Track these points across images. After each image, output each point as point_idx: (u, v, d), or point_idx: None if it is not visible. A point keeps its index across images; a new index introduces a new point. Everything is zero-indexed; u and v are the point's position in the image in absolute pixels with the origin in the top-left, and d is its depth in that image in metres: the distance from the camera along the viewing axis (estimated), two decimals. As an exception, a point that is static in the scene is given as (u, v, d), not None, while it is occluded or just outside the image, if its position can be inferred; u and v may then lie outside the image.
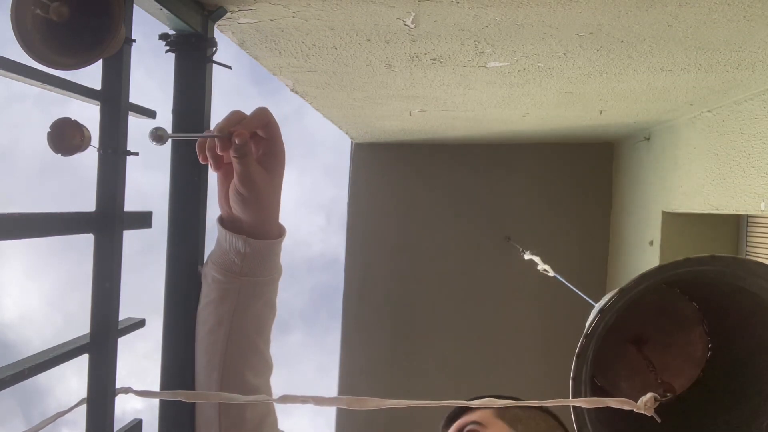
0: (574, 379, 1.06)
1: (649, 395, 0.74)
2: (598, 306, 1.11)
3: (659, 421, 0.84)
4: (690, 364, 1.34)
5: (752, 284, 1.07)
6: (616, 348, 1.36)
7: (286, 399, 0.71)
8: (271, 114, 0.88)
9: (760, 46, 1.67)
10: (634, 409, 0.73)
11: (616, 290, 1.06)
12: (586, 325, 1.07)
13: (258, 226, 0.91)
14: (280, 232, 0.96)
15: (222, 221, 0.97)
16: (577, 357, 1.06)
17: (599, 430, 1.08)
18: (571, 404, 0.78)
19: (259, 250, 0.92)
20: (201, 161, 0.91)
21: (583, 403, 0.82)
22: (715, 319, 1.35)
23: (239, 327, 0.93)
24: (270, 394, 0.99)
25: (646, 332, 1.35)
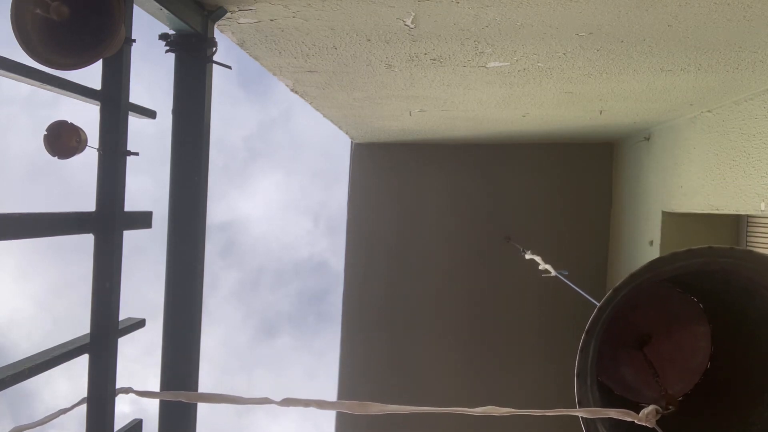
0: (578, 375, 1.06)
1: (651, 408, 0.74)
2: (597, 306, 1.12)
3: None
4: (693, 361, 1.35)
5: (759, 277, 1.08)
6: (621, 349, 1.37)
7: (288, 402, 0.71)
8: None
9: (760, 46, 1.67)
10: (636, 421, 0.73)
11: (610, 290, 1.07)
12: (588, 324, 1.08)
13: None
14: None
15: None
16: (581, 351, 1.07)
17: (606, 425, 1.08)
18: (573, 414, 0.78)
19: None
20: None
21: (585, 413, 0.81)
22: (722, 321, 1.35)
23: None
24: None
25: (651, 332, 1.36)
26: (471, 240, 4.00)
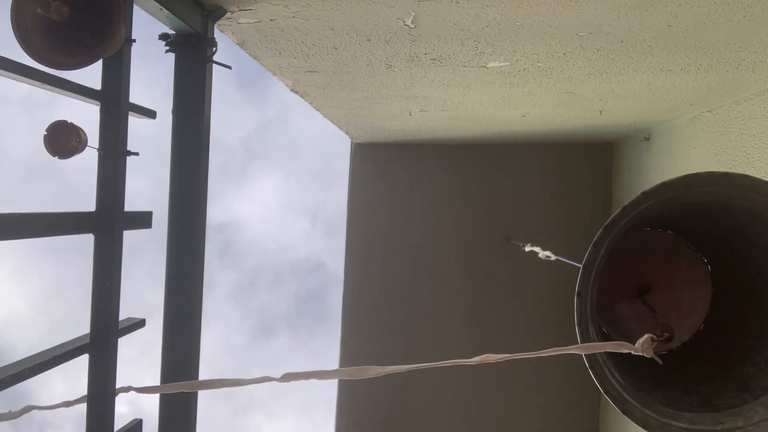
0: (579, 324, 1.06)
1: (645, 336, 0.74)
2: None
3: (660, 362, 0.84)
4: (698, 285, 1.34)
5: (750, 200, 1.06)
6: (622, 300, 1.37)
7: (288, 377, 0.71)
8: None
9: (760, 46, 1.67)
10: (632, 351, 0.73)
11: (590, 246, 1.07)
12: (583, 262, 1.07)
13: None
14: None
15: None
16: (578, 295, 1.06)
17: (615, 376, 1.09)
18: (569, 352, 0.78)
19: None
20: None
21: (580, 350, 0.81)
22: (703, 241, 1.34)
23: None
24: None
25: (648, 279, 1.35)
26: (471, 240, 4.00)
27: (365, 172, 4.05)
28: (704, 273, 1.35)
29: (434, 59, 1.82)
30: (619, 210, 1.07)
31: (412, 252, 4.04)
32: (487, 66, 1.89)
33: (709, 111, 2.61)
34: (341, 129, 3.43)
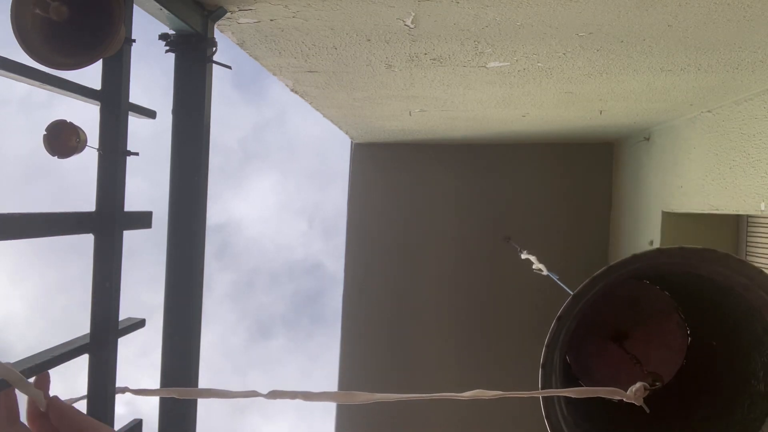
0: (543, 366, 1.07)
1: (638, 384, 0.76)
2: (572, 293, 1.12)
3: (648, 411, 0.85)
4: (672, 352, 1.36)
5: (713, 273, 1.08)
6: (597, 346, 1.38)
7: (275, 394, 0.71)
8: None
9: (760, 46, 1.67)
10: (624, 399, 0.74)
11: (588, 279, 1.07)
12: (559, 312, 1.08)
13: None
14: None
15: None
16: (547, 346, 1.08)
17: (561, 404, 1.10)
18: (562, 395, 0.78)
19: None
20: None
21: (573, 393, 0.82)
22: (693, 310, 1.36)
23: None
24: None
25: (626, 328, 1.37)
26: (471, 239, 4.00)
27: (365, 172, 4.05)
28: (683, 343, 1.37)
29: (434, 59, 1.82)
30: (629, 256, 1.08)
31: (413, 251, 4.04)
32: (487, 66, 1.90)
33: (709, 111, 2.61)
34: (341, 129, 3.43)
